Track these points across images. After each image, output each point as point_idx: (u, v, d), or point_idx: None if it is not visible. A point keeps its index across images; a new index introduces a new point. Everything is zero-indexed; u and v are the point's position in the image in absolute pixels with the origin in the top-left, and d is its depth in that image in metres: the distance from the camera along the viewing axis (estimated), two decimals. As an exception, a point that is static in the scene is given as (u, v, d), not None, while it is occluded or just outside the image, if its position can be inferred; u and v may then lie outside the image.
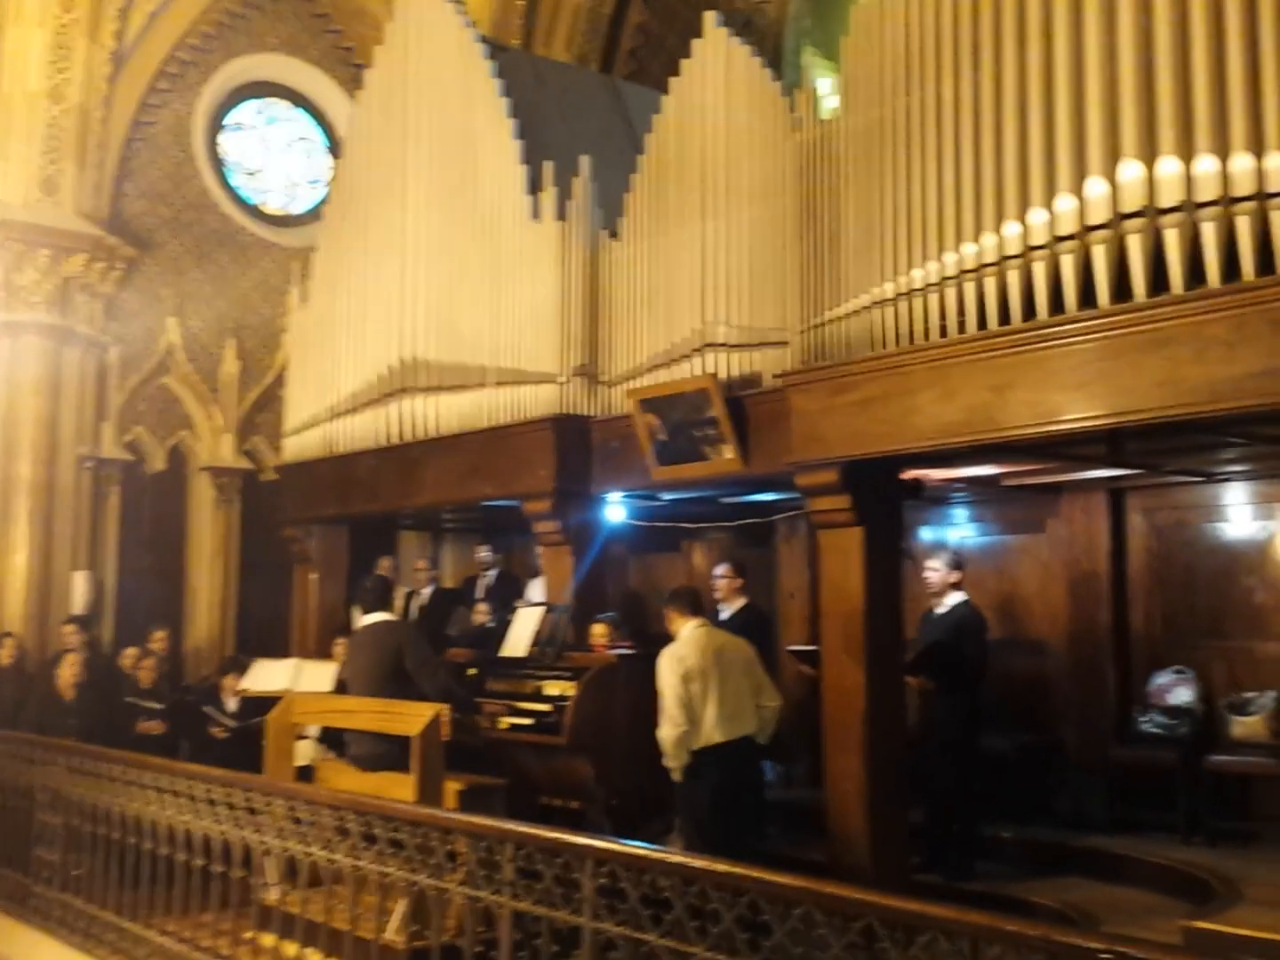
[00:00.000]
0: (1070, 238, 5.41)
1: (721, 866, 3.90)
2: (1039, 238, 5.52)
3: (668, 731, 6.05)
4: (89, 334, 11.31)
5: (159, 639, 10.02)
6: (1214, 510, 7.83)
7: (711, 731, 6.10)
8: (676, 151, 7.83)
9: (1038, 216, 5.53)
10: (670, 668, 6.11)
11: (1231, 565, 7.67)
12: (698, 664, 6.15)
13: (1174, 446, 6.57)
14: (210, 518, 12.15)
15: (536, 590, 9.26)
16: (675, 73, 7.96)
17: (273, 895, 5.58)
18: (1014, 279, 5.61)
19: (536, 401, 8.31)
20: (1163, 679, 7.70)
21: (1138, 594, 8.06)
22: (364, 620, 7.02)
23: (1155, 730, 7.54)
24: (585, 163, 8.37)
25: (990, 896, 6.44)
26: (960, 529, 8.92)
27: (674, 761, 6.10)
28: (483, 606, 9.52)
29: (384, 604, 6.87)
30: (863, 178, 6.38)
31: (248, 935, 5.71)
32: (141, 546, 11.81)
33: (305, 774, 6.89)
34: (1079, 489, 8.12)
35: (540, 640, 7.31)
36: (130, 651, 9.78)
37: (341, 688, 8.09)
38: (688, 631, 6.29)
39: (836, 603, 6.58)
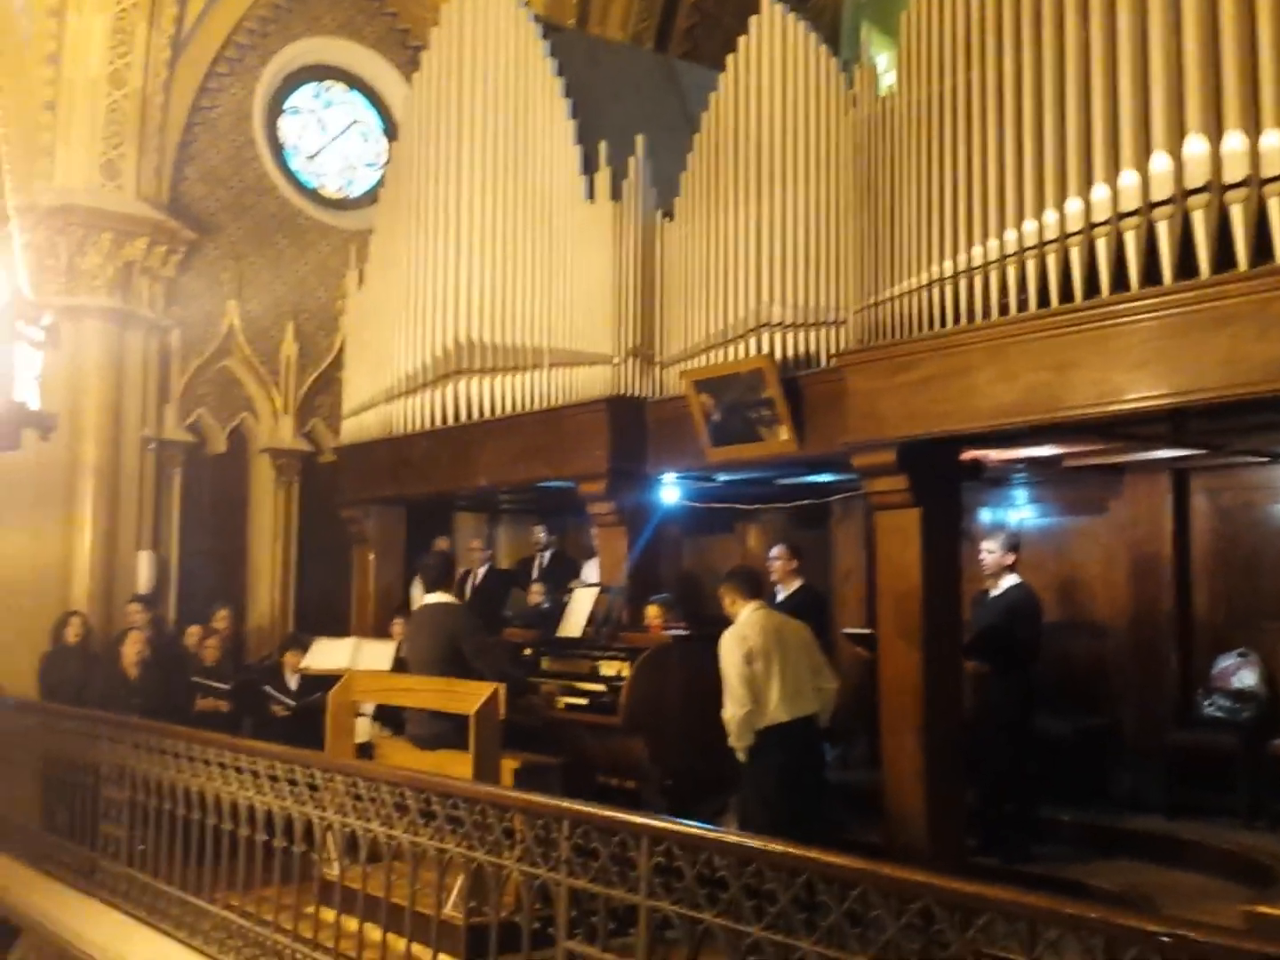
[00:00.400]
0: (1134, 214, 5.32)
1: (777, 847, 3.89)
2: (1101, 214, 5.43)
3: (733, 711, 6.04)
4: (151, 317, 11.44)
5: (222, 618, 10.19)
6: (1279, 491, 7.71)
7: (776, 711, 6.09)
8: (733, 130, 7.78)
9: (1100, 192, 5.45)
10: (733, 648, 6.10)
11: (1297, 547, 7.55)
12: (760, 644, 6.14)
13: (1239, 426, 6.46)
14: (270, 499, 12.29)
15: (591, 571, 9.28)
16: (732, 51, 7.91)
17: (334, 871, 5.64)
18: (1076, 256, 5.54)
19: (591, 383, 8.32)
20: (1226, 662, 7.60)
21: (1201, 576, 7.96)
22: (424, 599, 7.06)
23: (1218, 714, 7.45)
24: (640, 142, 8.34)
25: (1047, 879, 6.39)
26: (1020, 510, 8.83)
27: (740, 742, 6.09)
28: (537, 587, 9.56)
29: (444, 582, 6.87)
30: (921, 154, 6.31)
31: (309, 910, 5.78)
32: (203, 527, 11.98)
33: (364, 751, 6.97)
34: (1142, 470, 8.01)
35: (596, 621, 7.33)
36: (193, 630, 9.95)
37: (401, 666, 8.17)
38: (748, 613, 6.28)
39: (893, 584, 6.54)
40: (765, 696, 6.08)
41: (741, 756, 6.12)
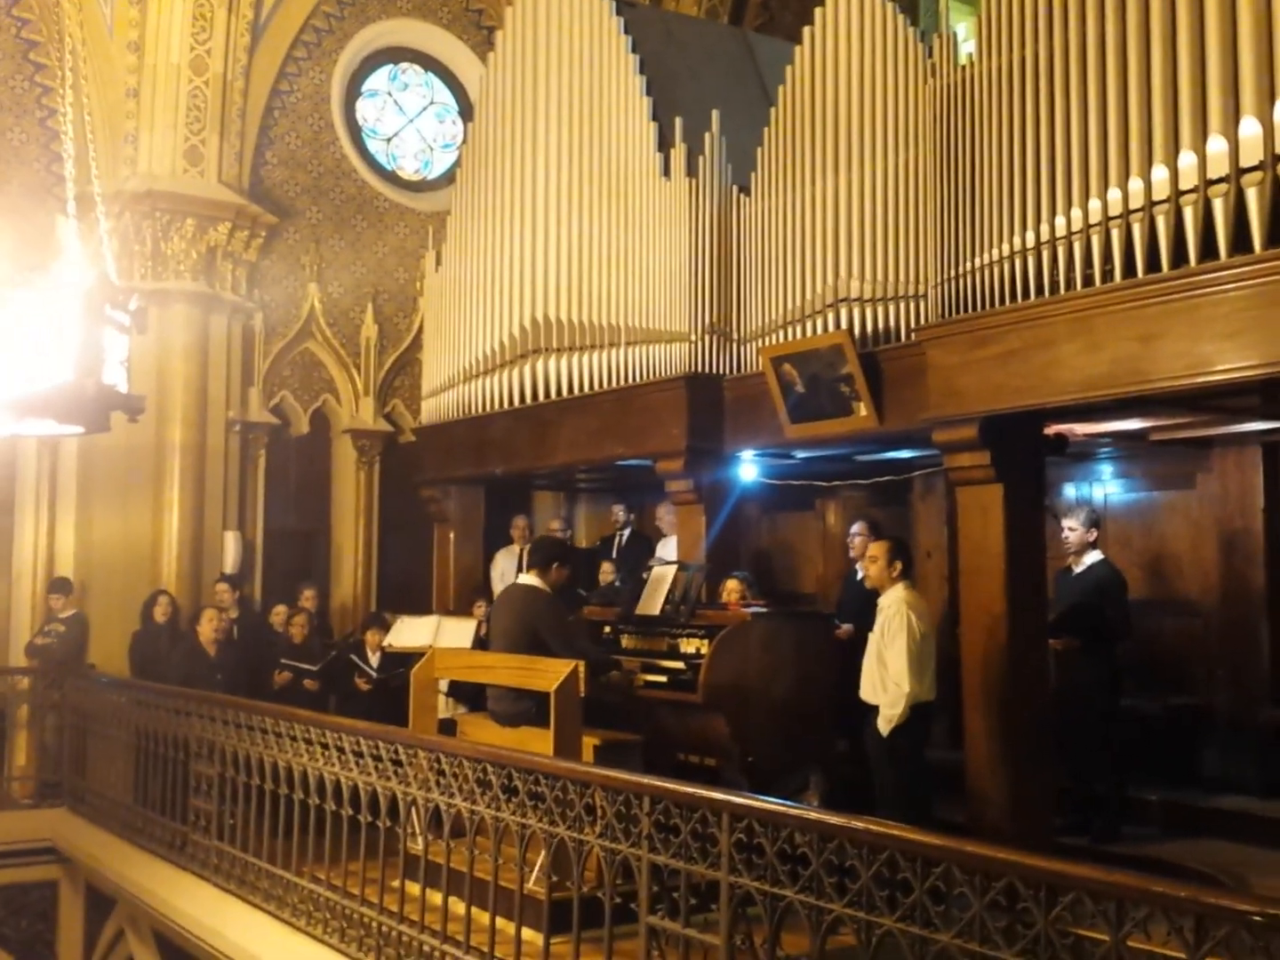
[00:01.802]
0: (1222, 180, 5.19)
1: (859, 824, 3.87)
2: (1188, 181, 5.32)
3: (911, 686, 6.00)
4: (234, 301, 11.61)
5: (308, 597, 10.33)
6: (1375, 463, 7.50)
7: (930, 689, 6.10)
8: (809, 103, 7.71)
9: (1187, 159, 5.33)
10: (912, 623, 6.08)
11: (1394, 520, 7.34)
12: (927, 622, 6.19)
13: (1333, 397, 6.29)
14: (352, 479, 12.42)
15: (669, 549, 9.28)
16: (808, 22, 7.83)
17: (418, 845, 5.71)
18: (1162, 225, 5.42)
19: (668, 360, 8.31)
20: (1320, 639, 7.42)
21: (1293, 552, 7.77)
22: (519, 579, 7.07)
23: (1311, 692, 7.28)
24: (715, 117, 8.30)
25: (1136, 859, 6.31)
26: (1106, 485, 8.68)
27: (899, 717, 6.04)
28: (608, 566, 9.58)
29: (545, 566, 6.79)
30: (1002, 123, 6.20)
31: (394, 884, 5.86)
32: (287, 507, 12.15)
33: (446, 727, 7.04)
34: (1231, 443, 7.83)
35: (674, 599, 7.33)
36: (279, 609, 10.11)
37: (482, 645, 8.24)
38: (908, 590, 6.25)
39: (976, 561, 6.48)
40: (925, 674, 6.06)
41: (886, 729, 6.07)
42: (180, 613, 10.34)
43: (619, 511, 10.58)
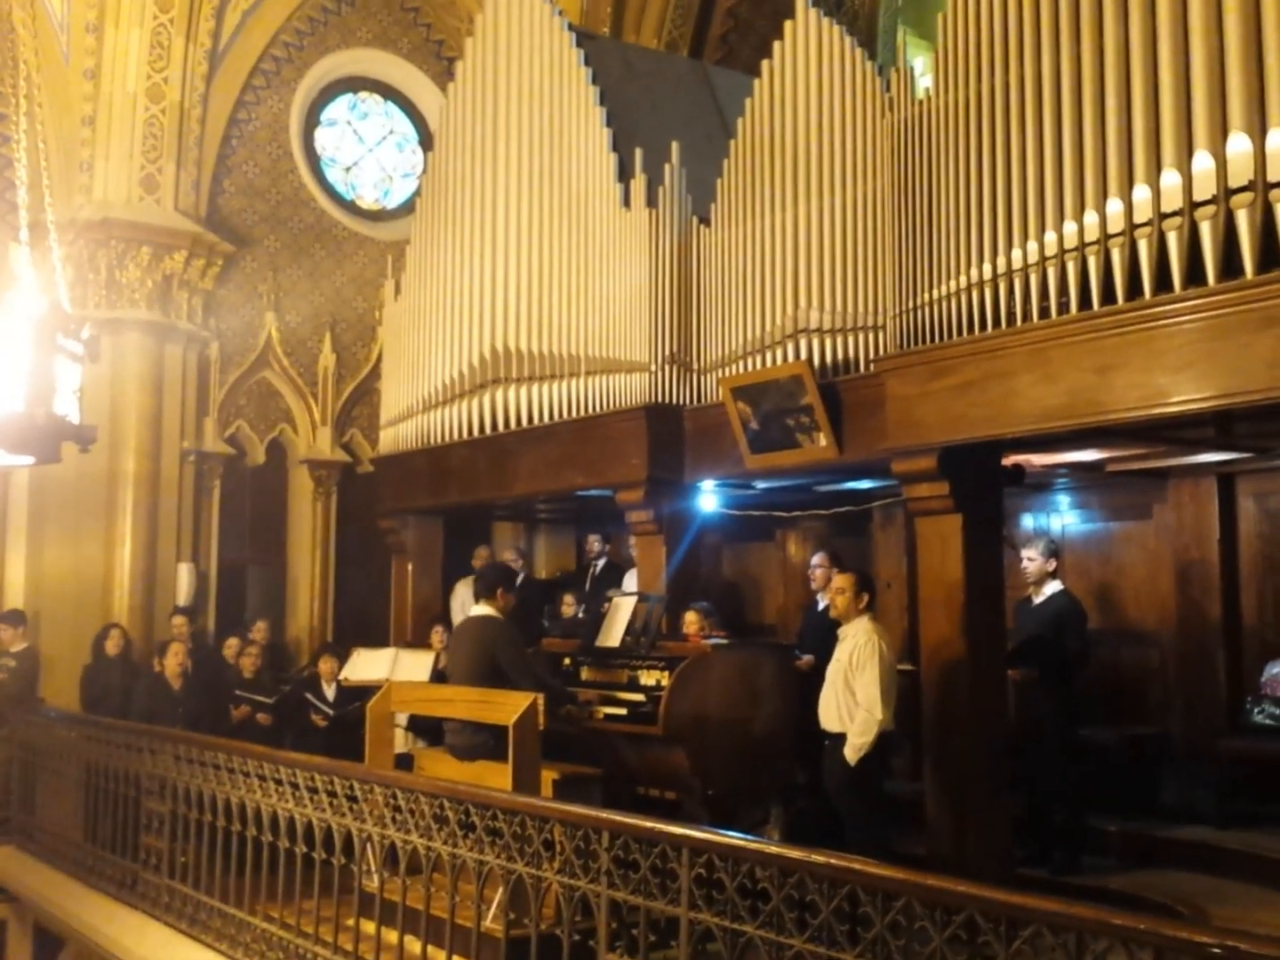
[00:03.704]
0: (1176, 214, 5.25)
1: (819, 858, 3.85)
2: (1143, 215, 5.37)
3: (882, 714, 5.99)
4: (189, 330, 11.52)
5: (260, 629, 10.23)
6: (1329, 494, 7.58)
7: (891, 719, 6.08)
8: (769, 135, 7.75)
9: (1141, 193, 5.38)
10: (884, 653, 6.08)
11: (1348, 551, 7.42)
12: (892, 653, 6.20)
13: (1286, 428, 6.36)
14: (309, 510, 12.32)
15: (631, 580, 9.25)
16: (766, 56, 7.87)
17: (373, 883, 5.62)
18: (1118, 257, 5.47)
19: (628, 390, 8.29)
20: (1276, 669, 7.47)
21: (1249, 582, 7.83)
22: (472, 611, 7.01)
23: (1267, 722, 7.32)
24: (675, 149, 8.32)
25: (1096, 890, 6.31)
26: (1064, 516, 8.73)
27: (866, 747, 6.02)
28: (569, 598, 9.52)
29: (490, 594, 6.79)
30: (959, 157, 6.25)
31: (349, 922, 5.77)
32: (242, 538, 12.04)
33: (403, 762, 6.96)
34: (1187, 474, 7.90)
35: (634, 630, 7.29)
36: (232, 641, 9.98)
37: (440, 677, 8.16)
38: (871, 621, 6.25)
39: (935, 592, 6.48)
40: (891, 703, 6.06)
41: (853, 759, 6.03)
42: (133, 646, 10.20)
43: (594, 541, 10.51)
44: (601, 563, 10.41)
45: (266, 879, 6.23)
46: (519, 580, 10.56)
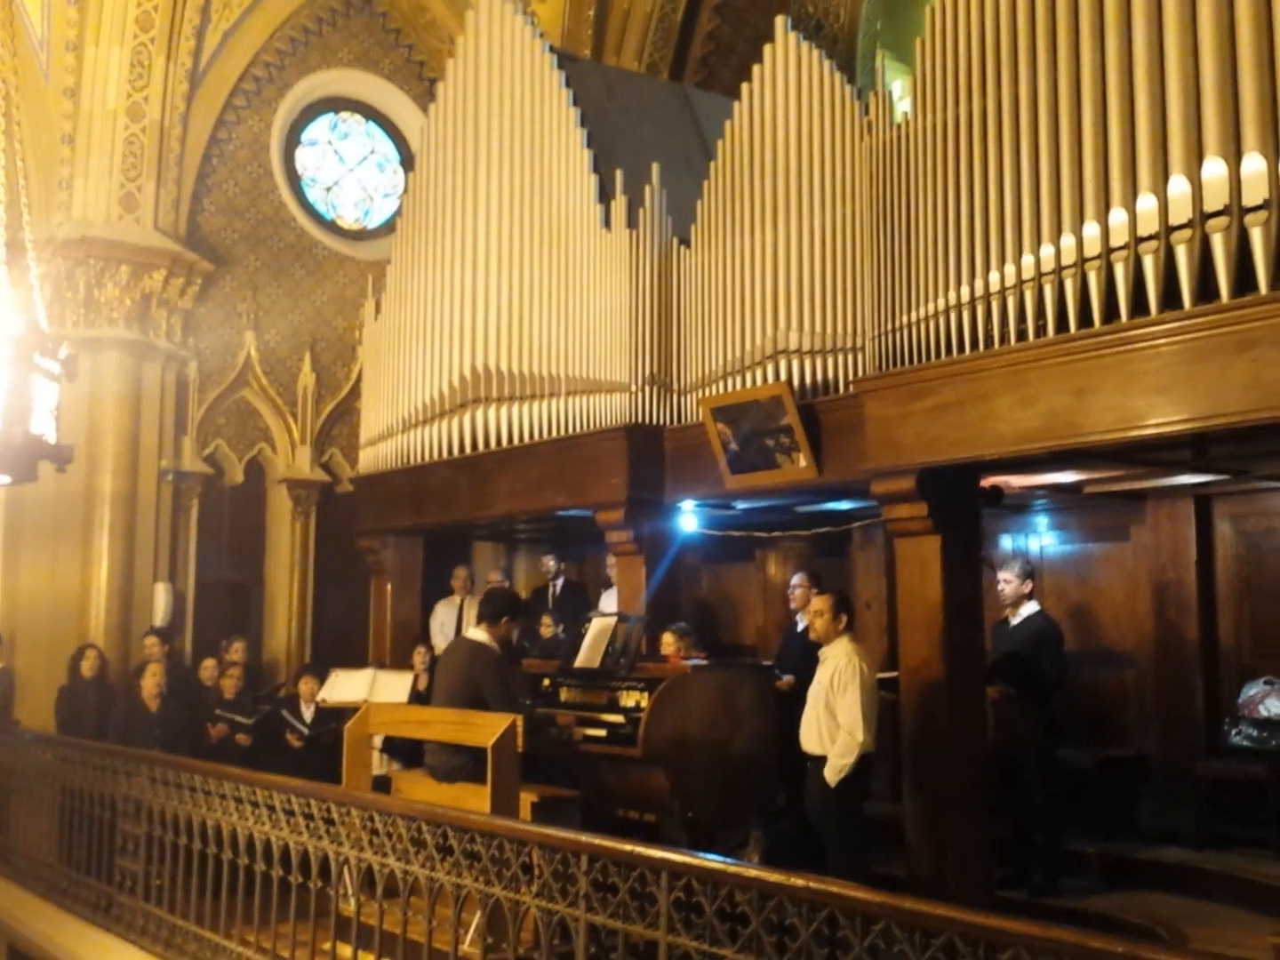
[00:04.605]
0: (1152, 238, 5.29)
1: (798, 881, 3.83)
2: (1120, 238, 5.40)
3: (863, 736, 5.98)
4: (168, 348, 11.48)
5: (237, 649, 10.14)
6: (1304, 516, 7.62)
7: (872, 740, 6.08)
8: (748, 157, 7.78)
9: (1118, 216, 5.42)
10: (865, 675, 6.08)
11: (1323, 573, 7.46)
12: (873, 674, 6.20)
13: (1262, 451, 6.39)
14: (287, 529, 12.27)
15: (609, 601, 9.23)
16: (747, 79, 7.92)
17: (350, 906, 5.58)
18: (1094, 281, 5.50)
19: (608, 410, 8.30)
20: (1253, 690, 7.49)
21: (1226, 603, 7.86)
22: (468, 632, 6.91)
23: (1245, 743, 7.34)
24: (656, 170, 8.35)
25: (1075, 912, 6.31)
26: (1042, 537, 8.76)
27: (847, 769, 6.01)
28: (548, 618, 9.51)
29: (493, 620, 6.69)
30: (937, 180, 6.29)
31: (325, 946, 5.72)
32: (220, 558, 11.97)
33: (381, 784, 6.92)
34: (1164, 496, 7.94)
35: (613, 651, 7.28)
36: (208, 663, 9.90)
37: (419, 698, 8.13)
38: (851, 642, 6.25)
39: (914, 612, 6.49)
40: (872, 725, 6.06)
41: (834, 780, 6.02)
42: (109, 667, 10.12)
43: (549, 562, 10.55)
44: (559, 583, 10.41)
45: (242, 902, 6.18)
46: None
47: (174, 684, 9.58)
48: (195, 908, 6.63)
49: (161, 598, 11.07)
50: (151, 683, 8.91)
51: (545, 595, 10.52)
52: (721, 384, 7.80)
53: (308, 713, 8.98)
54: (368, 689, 8.52)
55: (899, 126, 6.60)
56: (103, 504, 10.87)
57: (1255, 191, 4.97)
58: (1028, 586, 7.37)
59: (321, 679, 9.13)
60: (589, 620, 7.89)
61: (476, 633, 6.67)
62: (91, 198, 11.07)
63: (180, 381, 11.65)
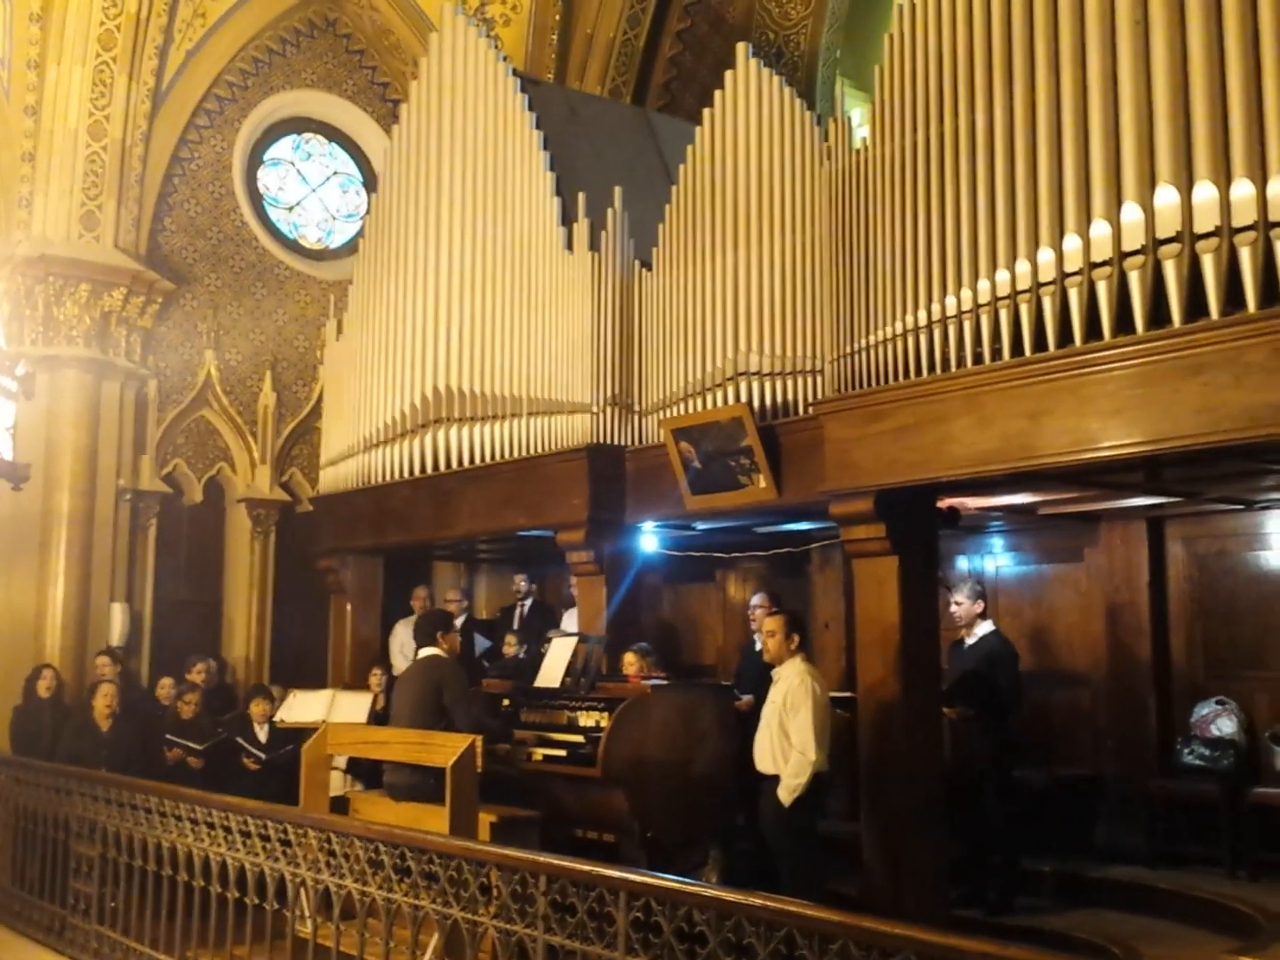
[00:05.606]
0: (1105, 264, 5.37)
1: (756, 900, 3.85)
2: (1074, 264, 5.49)
3: (816, 755, 6.01)
4: (128, 367, 11.40)
5: (199, 670, 9.97)
6: (1255, 538, 7.73)
7: (825, 759, 6.10)
8: (710, 181, 7.85)
9: (1072, 242, 5.51)
10: (817, 694, 6.10)
11: (1274, 594, 7.56)
12: (826, 694, 6.23)
13: (1213, 474, 6.50)
14: (247, 549, 12.18)
15: (571, 621, 9.23)
16: (708, 104, 7.99)
17: (307, 928, 5.55)
18: (1049, 306, 5.58)
19: (570, 431, 8.32)
20: (1204, 710, 7.59)
21: (1178, 624, 7.96)
22: (421, 653, 6.97)
23: (1197, 762, 7.44)
24: (618, 194, 8.40)
25: (1030, 931, 6.35)
26: (997, 558, 8.84)
27: (800, 788, 6.03)
28: (512, 638, 9.51)
29: (432, 640, 6.80)
30: (895, 206, 6.37)
31: (282, 968, 5.69)
32: (179, 578, 11.87)
33: (339, 805, 6.88)
34: (1117, 518, 8.04)
35: (574, 671, 7.28)
36: (165, 682, 9.79)
37: (378, 719, 8.09)
38: (804, 662, 6.28)
39: (871, 632, 6.54)
40: (825, 744, 6.09)
41: (787, 800, 6.04)
42: (65, 687, 10.01)
43: (520, 581, 10.54)
44: (529, 603, 10.42)
45: (198, 924, 6.13)
46: (462, 620, 10.56)
47: (127, 704, 9.48)
48: (150, 930, 6.58)
49: (118, 618, 10.96)
50: (103, 703, 8.83)
51: (512, 615, 10.50)
52: (682, 405, 7.84)
53: (261, 734, 8.89)
54: (326, 709, 8.47)
55: (858, 152, 6.69)
56: (60, 523, 10.76)
57: (1207, 219, 5.07)
58: (979, 607, 7.43)
59: (272, 700, 9.06)
60: (550, 640, 7.91)
61: (430, 650, 6.75)
62: (52, 216, 11.00)
63: (139, 400, 11.57)
